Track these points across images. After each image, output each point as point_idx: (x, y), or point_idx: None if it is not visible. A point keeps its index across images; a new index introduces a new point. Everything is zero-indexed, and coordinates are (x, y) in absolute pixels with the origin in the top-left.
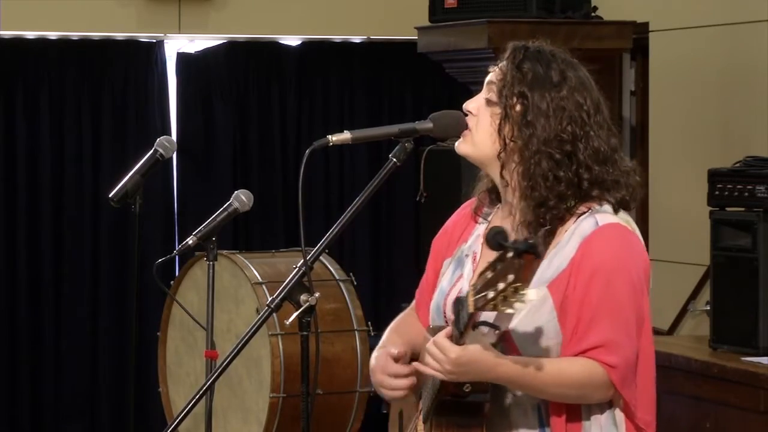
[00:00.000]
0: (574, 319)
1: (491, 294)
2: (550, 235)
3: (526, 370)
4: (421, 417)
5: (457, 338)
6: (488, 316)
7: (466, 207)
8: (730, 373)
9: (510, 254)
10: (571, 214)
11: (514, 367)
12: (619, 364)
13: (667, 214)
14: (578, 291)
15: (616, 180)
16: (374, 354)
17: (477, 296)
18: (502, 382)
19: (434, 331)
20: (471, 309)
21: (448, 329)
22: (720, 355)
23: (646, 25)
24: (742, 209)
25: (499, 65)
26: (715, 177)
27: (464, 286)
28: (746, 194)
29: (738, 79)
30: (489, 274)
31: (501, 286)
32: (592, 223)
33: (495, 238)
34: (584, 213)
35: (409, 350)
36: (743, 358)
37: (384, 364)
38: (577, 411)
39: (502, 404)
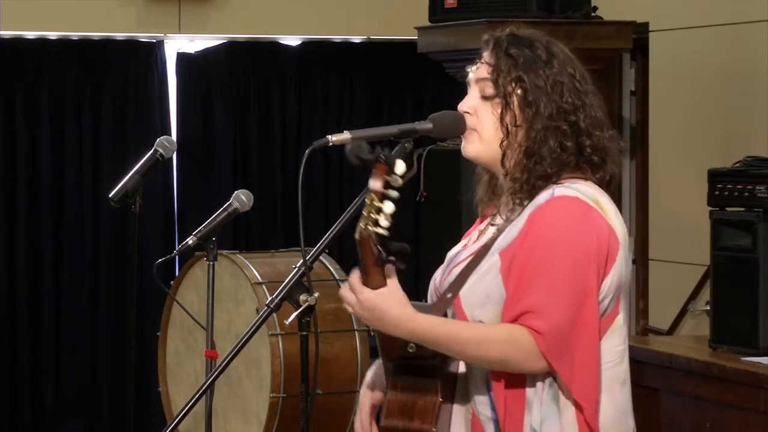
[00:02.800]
0: (513, 287)
1: (364, 214)
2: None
3: (443, 327)
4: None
5: (364, 279)
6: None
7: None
8: (730, 373)
9: (363, 167)
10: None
11: (430, 323)
12: (546, 331)
13: (667, 214)
14: (519, 260)
15: (607, 147)
16: (363, 389)
17: (360, 222)
18: (416, 338)
19: (416, 307)
20: (356, 235)
21: (358, 272)
22: (720, 355)
23: (646, 25)
24: (742, 209)
25: (483, 60)
26: (715, 177)
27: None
28: (746, 194)
29: (738, 79)
30: (366, 199)
31: (367, 203)
32: (548, 194)
33: (353, 152)
34: (549, 188)
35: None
36: (743, 358)
37: (363, 418)
38: (520, 379)
39: (456, 372)
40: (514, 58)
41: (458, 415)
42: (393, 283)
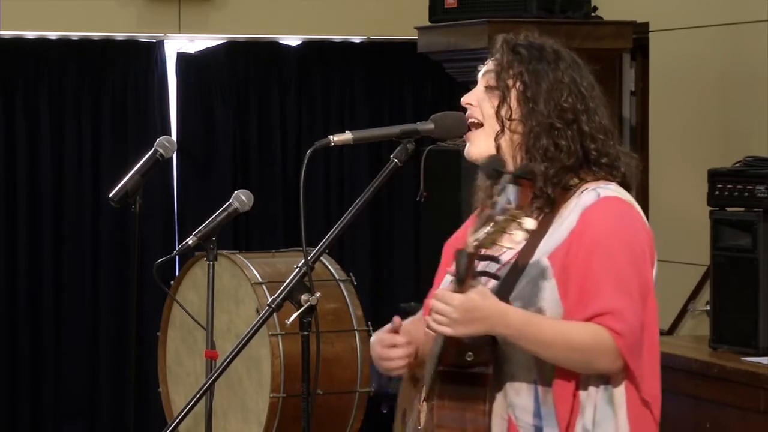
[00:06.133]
0: (577, 290)
1: (490, 228)
2: (552, 209)
3: (535, 321)
4: (423, 402)
5: (458, 289)
6: (486, 266)
7: (474, 216)
8: (730, 373)
9: (507, 179)
10: (575, 188)
11: (523, 316)
12: (625, 332)
13: (667, 214)
14: (579, 262)
15: (617, 155)
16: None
17: (476, 234)
18: (511, 333)
19: None
20: (470, 248)
21: (449, 285)
22: (720, 355)
23: (646, 25)
24: (742, 209)
25: (493, 57)
26: (715, 177)
27: None
28: (746, 194)
29: (738, 79)
30: (487, 212)
31: (499, 218)
32: (594, 196)
33: (490, 165)
34: (587, 188)
35: (410, 339)
36: (743, 358)
37: (381, 337)
38: (572, 384)
39: (500, 380)
40: (520, 55)
41: (494, 422)
42: (481, 285)
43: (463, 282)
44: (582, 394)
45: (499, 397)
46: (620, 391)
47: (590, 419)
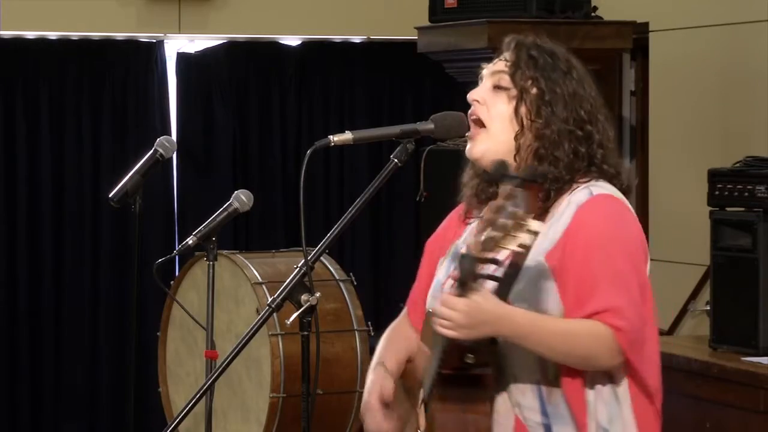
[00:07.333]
0: (575, 288)
1: (496, 233)
2: (546, 209)
3: (538, 320)
4: (422, 405)
5: (461, 293)
6: (488, 269)
7: (456, 212)
8: (730, 373)
9: (517, 183)
10: (568, 187)
11: (527, 316)
12: (626, 328)
13: (667, 214)
14: (576, 260)
15: (620, 163)
16: (366, 390)
17: (483, 239)
18: (516, 334)
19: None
20: (477, 252)
21: (452, 290)
22: (720, 355)
23: (646, 25)
24: (742, 209)
25: (503, 56)
26: (715, 177)
27: None
28: (746, 194)
29: (738, 79)
30: (493, 216)
31: (507, 222)
32: (586, 194)
33: (498, 170)
34: (578, 187)
35: (401, 366)
36: (743, 358)
37: (375, 406)
38: (579, 381)
39: (504, 381)
40: (534, 59)
41: (500, 422)
42: (484, 289)
43: (466, 286)
44: (589, 392)
45: (505, 397)
46: (624, 387)
47: (605, 417)
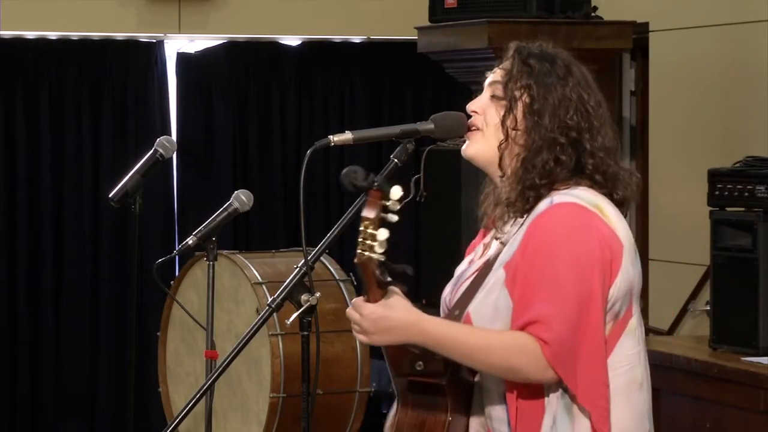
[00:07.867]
0: (518, 297)
1: (360, 239)
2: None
3: (452, 330)
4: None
5: (367, 298)
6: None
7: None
8: (730, 373)
9: (357, 193)
10: (547, 194)
11: (439, 325)
12: (552, 340)
13: (667, 214)
14: (522, 270)
15: (616, 173)
16: None
17: (358, 247)
18: (428, 342)
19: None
20: (355, 260)
21: (363, 294)
22: (720, 355)
23: (646, 25)
24: (742, 209)
25: (502, 65)
26: (715, 177)
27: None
28: (746, 194)
29: (738, 79)
30: (360, 225)
31: (362, 229)
32: (547, 203)
33: (347, 177)
34: (550, 196)
35: None
36: (743, 358)
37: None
38: (535, 391)
39: (477, 393)
40: (529, 67)
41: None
42: (396, 295)
43: (368, 291)
44: (546, 404)
45: (478, 409)
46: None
47: (549, 427)
